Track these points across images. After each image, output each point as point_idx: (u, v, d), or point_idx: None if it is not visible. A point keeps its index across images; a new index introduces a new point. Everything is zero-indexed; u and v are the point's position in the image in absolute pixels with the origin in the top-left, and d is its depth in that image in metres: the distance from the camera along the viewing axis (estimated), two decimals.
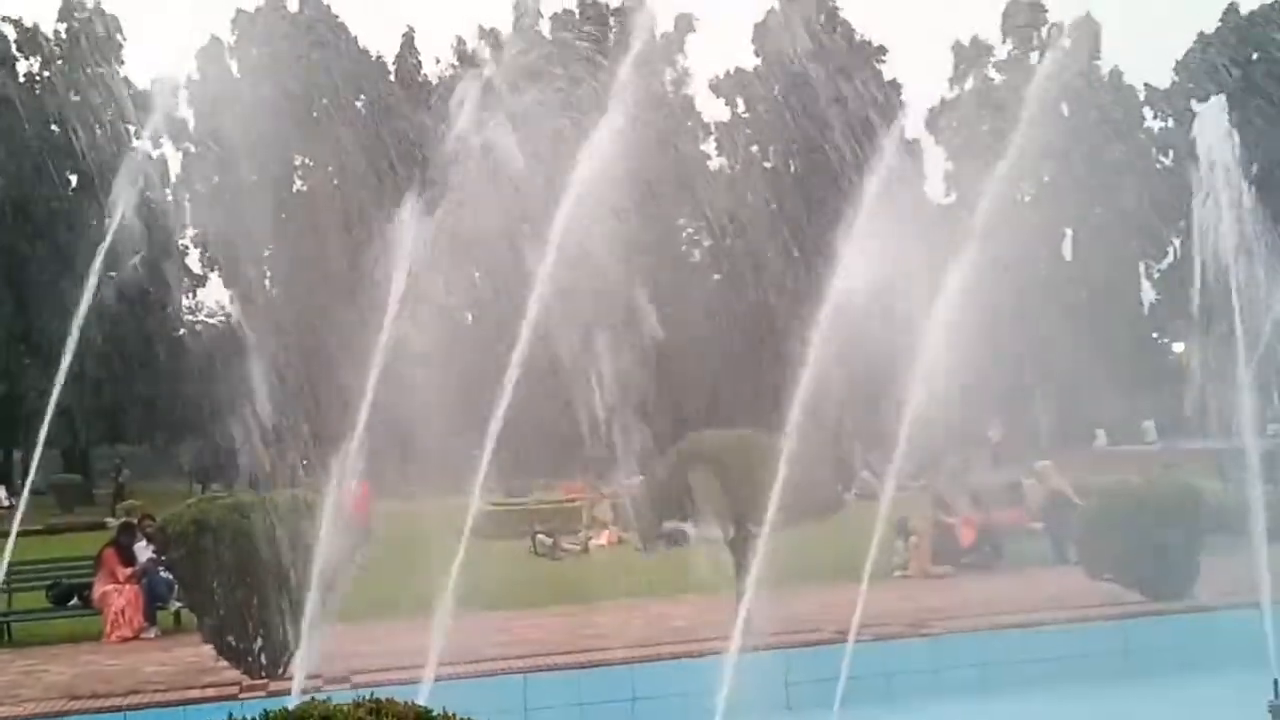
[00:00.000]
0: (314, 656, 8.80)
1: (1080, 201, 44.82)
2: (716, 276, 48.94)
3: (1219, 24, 50.79)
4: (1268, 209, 10.52)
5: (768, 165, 48.66)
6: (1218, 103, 10.41)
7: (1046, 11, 50.51)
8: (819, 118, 38.48)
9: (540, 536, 19.83)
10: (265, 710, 3.97)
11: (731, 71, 50.11)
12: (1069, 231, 47.61)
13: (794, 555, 11.84)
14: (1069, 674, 9.63)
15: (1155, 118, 50.07)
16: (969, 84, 49.89)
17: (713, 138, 50.16)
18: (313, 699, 3.98)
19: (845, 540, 11.49)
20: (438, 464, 10.05)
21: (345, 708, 3.80)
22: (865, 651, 9.16)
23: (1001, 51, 51.02)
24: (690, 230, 50.32)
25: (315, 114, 45.83)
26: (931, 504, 16.46)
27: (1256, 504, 8.57)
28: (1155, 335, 47.40)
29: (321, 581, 8.07)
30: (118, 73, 42.97)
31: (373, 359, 8.38)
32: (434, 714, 3.79)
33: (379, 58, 50.03)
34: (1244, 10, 50.26)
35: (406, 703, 3.86)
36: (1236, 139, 10.17)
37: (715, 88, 50.38)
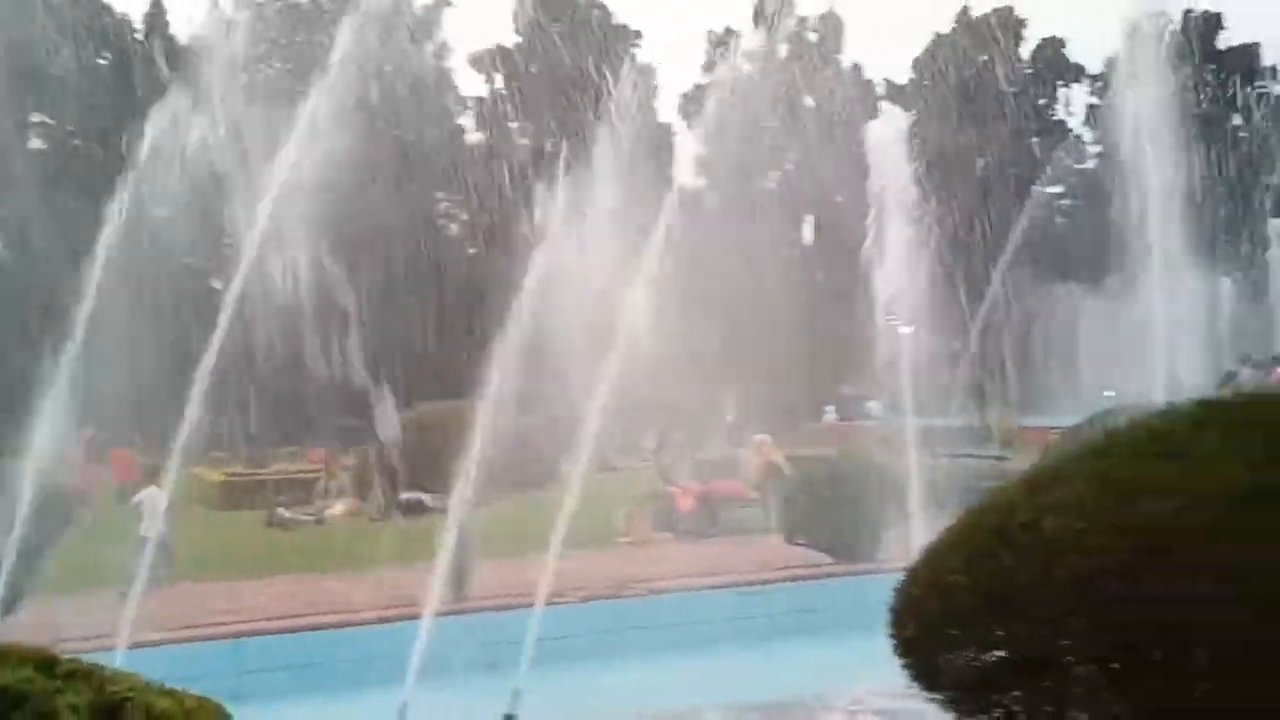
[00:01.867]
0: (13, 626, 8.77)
1: (822, 189, 46.83)
2: (472, 250, 49.06)
3: (953, 25, 53.94)
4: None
5: (525, 142, 49.04)
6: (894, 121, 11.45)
7: (794, 5, 52.40)
8: (574, 97, 39.07)
9: (278, 509, 19.79)
10: None
11: (492, 47, 50.25)
12: (810, 218, 49.73)
13: (521, 524, 12.40)
14: (759, 630, 10.52)
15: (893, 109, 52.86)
16: (720, 72, 51.40)
17: (470, 112, 50.21)
18: None
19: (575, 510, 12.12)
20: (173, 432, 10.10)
21: None
22: (568, 613, 9.75)
23: (751, 42, 52.73)
24: (448, 204, 50.28)
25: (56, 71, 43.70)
26: (657, 475, 17.34)
27: (912, 475, 9.52)
28: (889, 319, 50.04)
29: (25, 550, 8.10)
30: None
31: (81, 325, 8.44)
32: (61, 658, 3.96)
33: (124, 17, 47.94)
34: (974, 14, 53.51)
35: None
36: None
37: (475, 62, 50.43)
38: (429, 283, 41.49)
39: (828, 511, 12.25)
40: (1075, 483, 3.78)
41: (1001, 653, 3.74)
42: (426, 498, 16.74)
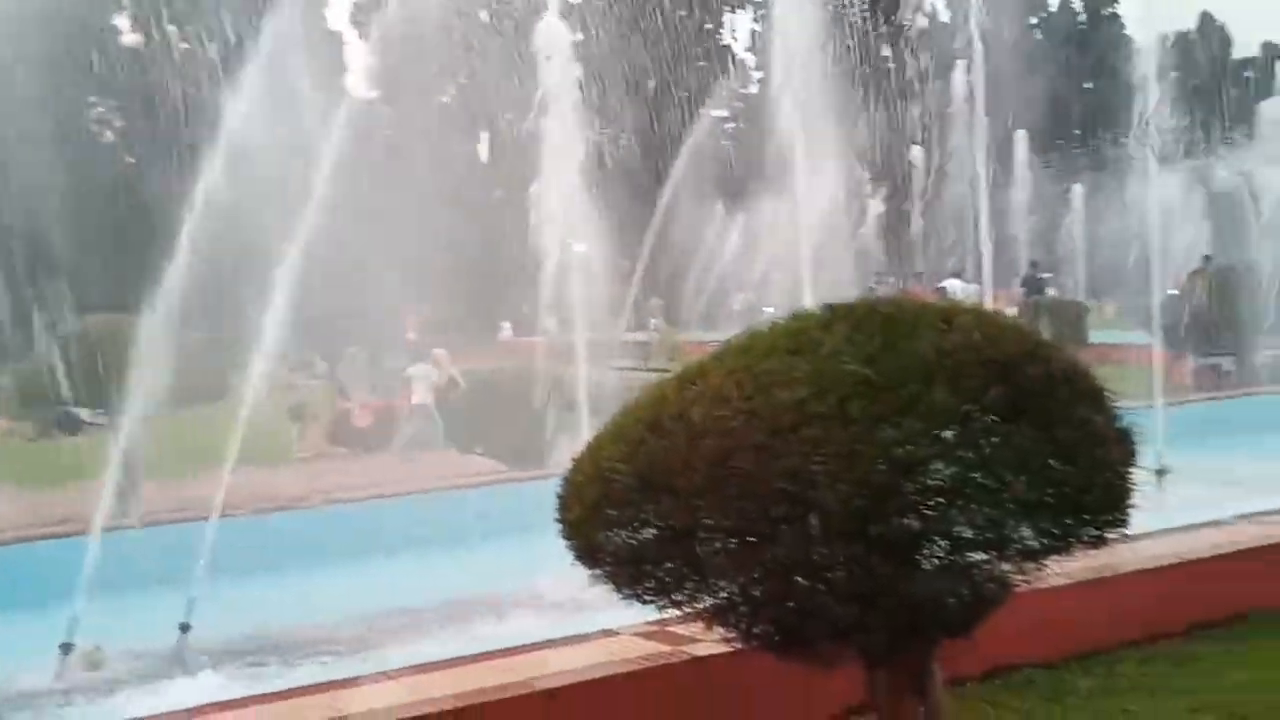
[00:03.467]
0: None
1: (498, 105, 46.87)
2: (130, 159, 46.50)
3: None
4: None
5: (185, 46, 46.61)
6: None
7: None
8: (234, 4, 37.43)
9: None
10: None
11: None
12: (486, 134, 49.75)
13: (192, 439, 12.19)
14: (437, 537, 10.80)
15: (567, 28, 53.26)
16: None
17: (126, 13, 47.25)
18: None
19: (248, 425, 12.00)
20: None
21: None
22: (241, 526, 9.73)
23: None
24: (102, 109, 47.41)
25: None
26: (333, 390, 17.31)
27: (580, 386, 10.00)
28: (567, 238, 50.93)
29: None
30: None
31: None
32: None
33: None
34: None
35: None
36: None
37: None
38: (92, 193, 39.06)
39: (501, 422, 12.64)
40: (718, 376, 4.21)
41: (652, 530, 4.16)
42: (85, 413, 16.16)
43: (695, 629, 5.21)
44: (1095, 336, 25.81)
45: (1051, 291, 31.29)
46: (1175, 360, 16.78)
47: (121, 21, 48.16)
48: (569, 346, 14.22)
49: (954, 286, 27.99)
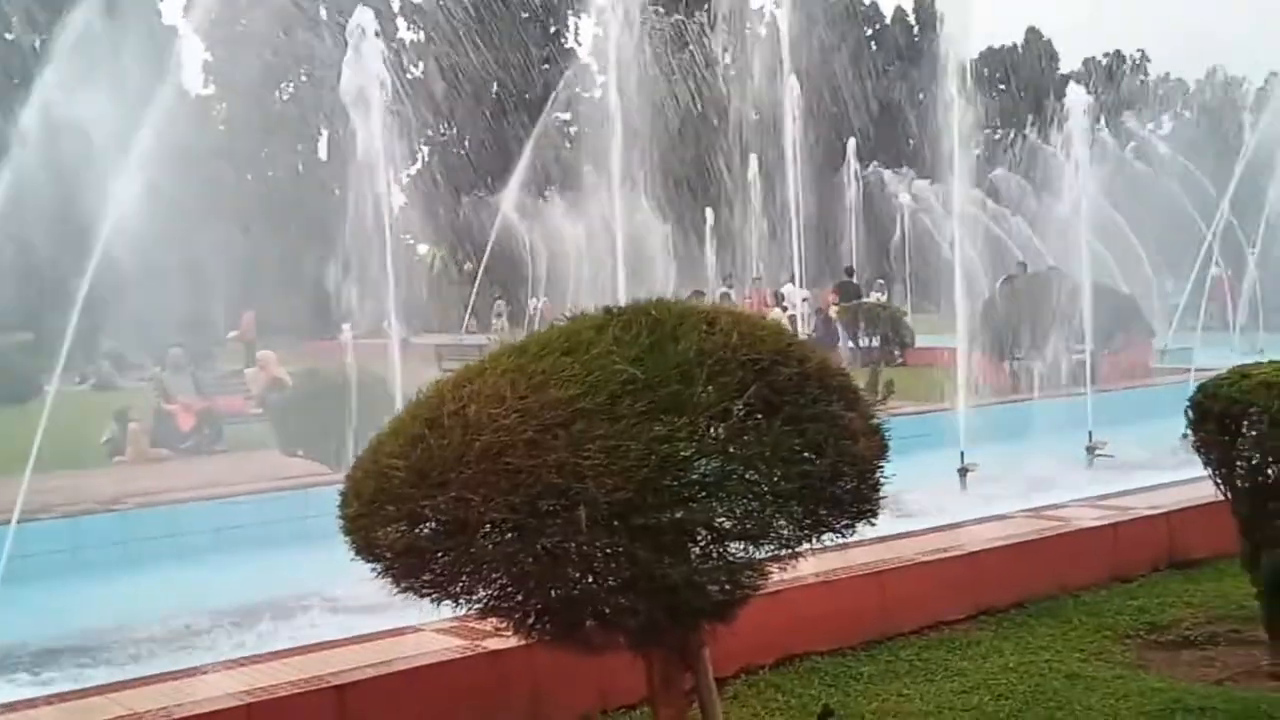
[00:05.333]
0: None
1: (337, 103, 46.35)
2: None
3: None
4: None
5: (9, 36, 45.00)
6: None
7: None
8: None
9: None
10: None
11: None
12: (325, 132, 49.12)
13: (4, 441, 11.87)
14: (253, 539, 10.75)
15: (408, 28, 53.00)
16: None
17: None
18: None
19: (66, 429, 11.74)
20: None
21: None
22: (50, 528, 9.57)
23: None
24: None
25: None
26: (155, 392, 16.98)
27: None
28: (405, 237, 50.64)
29: None
30: None
31: None
32: None
33: None
34: None
35: None
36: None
37: None
38: None
39: (325, 424, 12.57)
40: (494, 376, 4.36)
41: (429, 524, 4.28)
42: None
43: (493, 624, 5.34)
44: (922, 341, 26.75)
45: (879, 296, 32.25)
46: (985, 364, 17.51)
47: None
48: (403, 347, 14.22)
49: (789, 291, 28.73)
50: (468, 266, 39.18)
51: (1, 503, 10.37)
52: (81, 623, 8.79)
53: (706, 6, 53.57)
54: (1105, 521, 8.75)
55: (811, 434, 4.18)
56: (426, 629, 6.36)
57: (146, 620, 8.79)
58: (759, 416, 4.21)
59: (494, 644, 5.89)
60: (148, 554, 10.17)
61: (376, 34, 12.81)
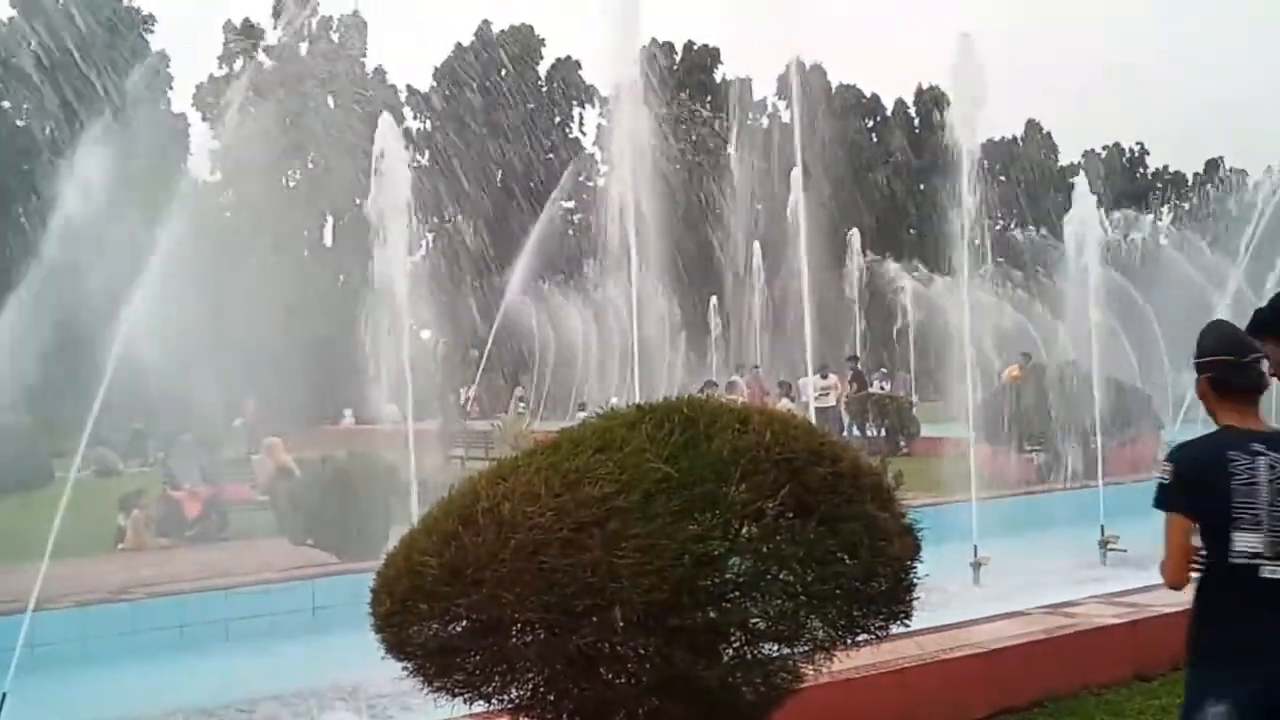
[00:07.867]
0: None
1: (343, 191, 46.78)
2: None
3: (474, 38, 55.43)
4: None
5: (21, 123, 45.65)
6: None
7: (318, 3, 51.94)
8: (85, 77, 36.87)
9: None
10: None
11: None
12: (331, 219, 49.50)
13: (14, 528, 11.81)
14: (263, 630, 10.64)
15: (415, 118, 53.55)
16: (239, 64, 50.14)
17: None
18: None
19: (70, 516, 11.68)
20: None
21: None
22: (60, 619, 9.49)
23: (272, 37, 51.79)
24: None
25: None
26: (161, 478, 16.93)
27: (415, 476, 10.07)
28: (412, 324, 50.83)
29: None
30: None
31: None
32: None
33: None
34: (495, 29, 55.32)
35: None
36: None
37: None
38: None
39: (334, 512, 12.54)
40: (529, 473, 4.37)
41: (462, 623, 4.27)
42: None
43: None
44: (927, 430, 26.66)
45: (883, 385, 32.23)
46: (995, 455, 17.49)
47: None
48: (409, 435, 14.20)
49: (804, 383, 28.46)
50: (473, 353, 39.25)
51: (14, 591, 10.36)
52: (86, 716, 8.69)
53: (710, 99, 54.47)
54: (1125, 619, 8.67)
55: (845, 534, 4.19)
56: None
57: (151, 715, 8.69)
58: (792, 516, 4.22)
59: None
60: (155, 646, 10.06)
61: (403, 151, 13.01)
